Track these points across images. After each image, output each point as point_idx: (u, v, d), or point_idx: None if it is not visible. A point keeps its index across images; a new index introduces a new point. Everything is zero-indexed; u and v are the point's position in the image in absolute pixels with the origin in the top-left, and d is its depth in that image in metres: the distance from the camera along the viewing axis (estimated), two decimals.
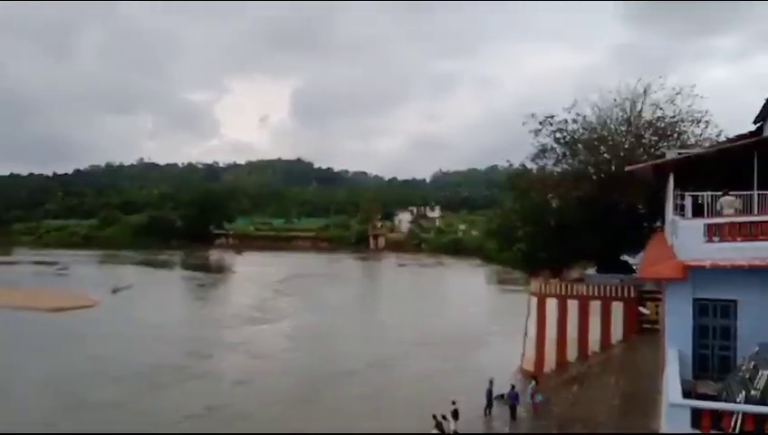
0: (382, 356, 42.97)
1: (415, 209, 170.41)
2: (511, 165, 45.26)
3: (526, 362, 37.20)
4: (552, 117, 39.65)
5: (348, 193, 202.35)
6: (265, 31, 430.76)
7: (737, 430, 11.72)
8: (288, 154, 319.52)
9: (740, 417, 11.87)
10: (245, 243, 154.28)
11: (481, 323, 55.06)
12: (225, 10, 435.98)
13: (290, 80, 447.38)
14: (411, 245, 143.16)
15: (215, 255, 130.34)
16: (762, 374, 12.84)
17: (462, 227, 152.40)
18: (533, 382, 29.30)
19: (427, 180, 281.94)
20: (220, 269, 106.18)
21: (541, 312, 36.28)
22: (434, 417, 26.16)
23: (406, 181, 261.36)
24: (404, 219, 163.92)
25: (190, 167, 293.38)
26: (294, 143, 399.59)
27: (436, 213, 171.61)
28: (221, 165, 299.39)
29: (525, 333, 37.95)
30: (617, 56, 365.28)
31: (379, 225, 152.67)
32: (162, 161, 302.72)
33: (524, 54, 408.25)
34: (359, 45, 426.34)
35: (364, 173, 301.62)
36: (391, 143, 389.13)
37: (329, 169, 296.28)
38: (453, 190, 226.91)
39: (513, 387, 29.46)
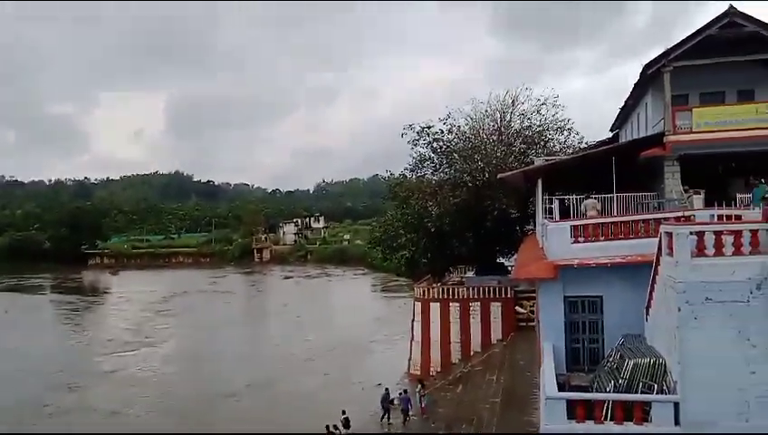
0: (266, 374, 41.85)
1: (299, 220, 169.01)
2: (391, 174, 46.19)
3: (413, 367, 37.89)
4: (429, 128, 40.93)
5: (230, 206, 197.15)
6: (137, 42, 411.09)
7: (609, 418, 12.53)
8: (166, 168, 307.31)
9: (610, 405, 12.71)
10: (122, 262, 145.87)
11: (368, 331, 55.36)
12: (91, 18, 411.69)
13: (165, 92, 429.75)
14: (297, 256, 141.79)
15: (88, 276, 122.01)
16: (627, 364, 13.82)
17: (347, 236, 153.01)
18: (420, 386, 29.93)
19: (311, 191, 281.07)
20: (94, 291, 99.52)
21: (425, 316, 37.12)
22: (326, 427, 26.05)
23: (289, 192, 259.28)
24: (288, 231, 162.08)
25: (58, 184, 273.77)
26: (172, 157, 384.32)
27: (321, 223, 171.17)
28: (93, 181, 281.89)
29: (411, 338, 38.66)
30: (488, 68, 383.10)
31: (263, 237, 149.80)
32: (26, 179, 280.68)
33: (403, 67, 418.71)
34: (239, 57, 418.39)
35: (247, 185, 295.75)
36: (274, 155, 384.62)
37: (209, 182, 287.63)
38: (336, 200, 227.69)
39: (405, 391, 30.00)
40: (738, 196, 20.32)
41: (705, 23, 22.52)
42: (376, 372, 40.07)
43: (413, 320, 38.64)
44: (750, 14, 22.11)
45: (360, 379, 39.17)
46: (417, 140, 41.25)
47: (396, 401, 29.83)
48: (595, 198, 22.01)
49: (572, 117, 40.81)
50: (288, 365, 44.18)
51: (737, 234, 11.90)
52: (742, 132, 21.86)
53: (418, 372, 36.18)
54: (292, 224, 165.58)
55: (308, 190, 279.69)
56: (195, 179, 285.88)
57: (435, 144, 41.14)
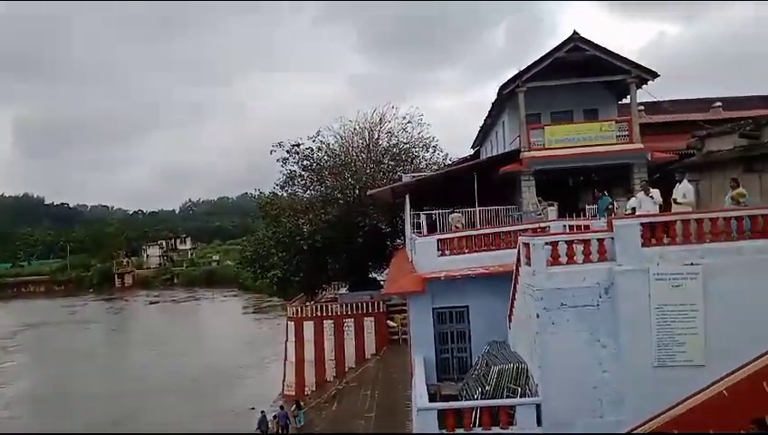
0: (126, 411, 38.51)
1: (164, 242, 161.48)
2: (261, 193, 45.46)
3: (287, 388, 37.28)
4: (299, 145, 40.89)
5: (87, 230, 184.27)
6: None
7: (477, 424, 12.94)
8: (13, 190, 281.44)
9: (478, 411, 13.15)
10: None
11: (239, 355, 53.32)
12: None
13: (11, 108, 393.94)
14: (162, 280, 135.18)
15: None
16: (493, 370, 14.38)
17: (216, 257, 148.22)
18: (295, 405, 29.51)
19: (177, 211, 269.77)
20: None
21: (298, 335, 36.70)
22: None
23: (153, 213, 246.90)
24: (153, 254, 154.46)
25: None
26: (20, 178, 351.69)
27: (188, 245, 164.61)
28: None
29: (285, 359, 38.05)
30: (357, 86, 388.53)
31: (124, 261, 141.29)
32: None
33: (272, 83, 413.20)
34: (97, 71, 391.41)
35: (106, 207, 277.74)
36: (136, 173, 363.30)
37: (63, 204, 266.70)
38: (204, 220, 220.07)
39: (282, 407, 29.55)
40: (587, 207, 21.98)
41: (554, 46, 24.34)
42: (249, 396, 38.88)
43: (286, 340, 38.08)
44: (592, 40, 24.12)
45: (233, 405, 37.85)
46: (287, 158, 41.07)
47: (272, 419, 29.23)
48: (460, 211, 22.91)
49: (437, 134, 42.68)
50: (152, 398, 41.38)
51: (586, 243, 12.79)
52: (588, 148, 23.71)
53: (293, 393, 35.65)
54: (157, 246, 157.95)
55: (174, 210, 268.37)
56: (47, 202, 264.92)
57: (305, 161, 41.14)
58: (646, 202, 15.00)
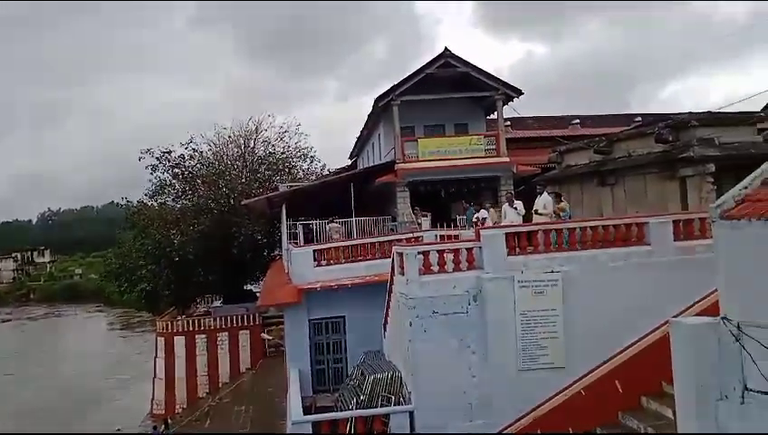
0: None
1: (19, 255, 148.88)
2: (129, 202, 43.04)
3: (157, 405, 35.47)
4: (170, 153, 39.28)
5: None
6: None
7: (353, 433, 12.95)
8: None
9: (353, 421, 13.16)
10: None
11: (106, 373, 50.14)
12: None
13: None
14: (17, 295, 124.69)
15: None
16: (368, 379, 14.48)
17: (78, 271, 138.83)
18: (164, 425, 28.16)
19: (34, 221, 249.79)
20: None
21: (168, 351, 35.07)
22: None
23: (6, 223, 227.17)
24: (6, 267, 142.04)
25: None
26: None
27: (47, 257, 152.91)
28: None
29: (154, 376, 36.21)
30: (233, 93, 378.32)
31: None
32: None
33: (142, 86, 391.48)
34: None
35: None
36: None
37: None
38: (66, 231, 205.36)
39: (155, 428, 28.05)
40: (458, 217, 22.80)
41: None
42: (115, 417, 36.64)
43: (156, 356, 36.26)
44: (461, 56, 25.14)
45: (97, 428, 35.46)
46: (157, 166, 39.27)
47: None
48: (338, 222, 22.98)
49: (318, 144, 42.78)
50: (7, 427, 37.89)
51: (456, 252, 13.22)
52: (458, 161, 24.66)
53: (163, 412, 33.94)
54: (11, 259, 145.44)
55: (30, 221, 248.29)
56: None
57: (176, 169, 39.54)
58: (510, 213, 15.75)
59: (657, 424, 10.17)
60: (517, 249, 13.24)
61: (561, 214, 15.36)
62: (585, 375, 12.59)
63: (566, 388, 12.60)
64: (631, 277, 12.89)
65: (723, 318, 6.15)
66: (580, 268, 13.00)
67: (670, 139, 17.02)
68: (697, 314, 9.13)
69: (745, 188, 6.45)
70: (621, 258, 13.20)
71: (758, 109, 24.74)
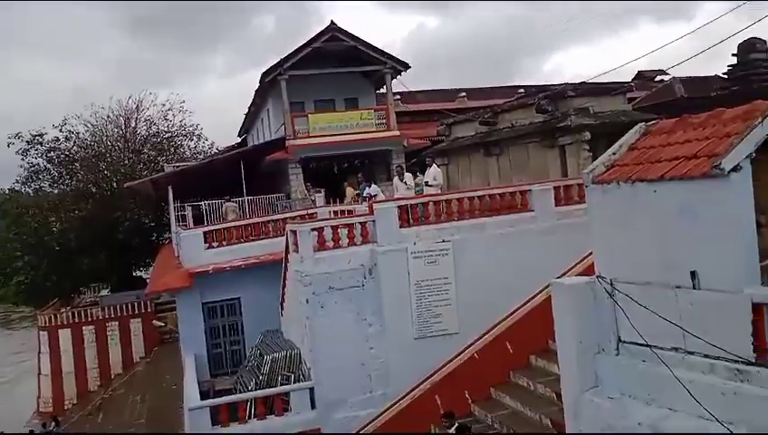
0: None
1: None
2: None
3: (44, 404, 33.47)
4: (42, 136, 36.60)
5: None
6: None
7: (253, 415, 12.81)
8: None
9: (253, 402, 13.02)
10: None
11: None
12: None
13: None
14: None
15: None
16: (266, 359, 14.34)
17: None
18: (53, 422, 26.58)
19: None
20: None
21: (53, 346, 33.08)
22: None
23: None
24: None
25: None
26: None
27: None
28: None
29: (39, 373, 34.10)
30: (113, 69, 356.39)
31: None
32: None
33: (7, 63, 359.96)
34: None
35: None
36: None
37: None
38: None
39: (44, 425, 26.34)
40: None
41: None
42: None
43: (39, 352, 34.11)
44: (348, 30, 24.99)
45: None
46: (28, 150, 36.51)
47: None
48: (234, 201, 22.40)
49: (206, 122, 41.31)
50: None
51: (350, 227, 13.26)
52: (350, 136, 24.64)
53: (51, 409, 32.07)
54: None
55: None
56: None
57: (51, 153, 36.95)
58: (400, 187, 15.93)
59: (546, 380, 10.73)
60: (410, 221, 13.46)
61: (416, 189, 15.76)
62: (478, 339, 13.08)
63: (460, 353, 13.05)
64: (517, 243, 13.43)
65: (598, 277, 6.53)
66: (469, 237, 13.40)
67: (549, 109, 17.78)
68: (578, 275, 9.66)
69: (614, 154, 6.82)
70: (508, 225, 13.73)
71: (629, 79, 26.39)
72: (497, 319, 13.19)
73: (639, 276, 6.02)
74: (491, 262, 13.24)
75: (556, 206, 14.12)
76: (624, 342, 6.33)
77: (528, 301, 12.77)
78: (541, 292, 12.41)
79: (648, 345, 5.86)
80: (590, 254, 7.59)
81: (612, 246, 6.43)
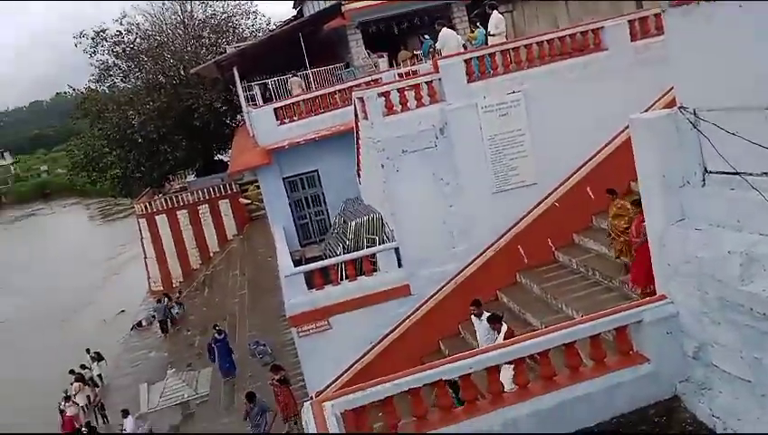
0: None
1: None
2: (75, 90, 41.11)
3: (154, 283, 36.51)
4: (104, 31, 36.93)
5: None
6: None
7: (344, 277, 13.54)
8: None
9: (342, 266, 13.72)
10: None
11: (90, 266, 50.14)
12: None
13: None
14: None
15: None
16: (350, 226, 14.90)
17: (44, 168, 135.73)
18: (167, 299, 29.10)
19: None
20: None
21: (153, 231, 35.46)
22: (71, 372, 24.20)
23: None
24: None
25: None
26: None
27: (8, 159, 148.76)
28: None
29: (144, 256, 36.89)
30: None
31: None
32: None
33: None
34: None
35: None
36: None
37: None
38: (19, 130, 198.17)
39: (159, 301, 29.01)
40: (416, 52, 22.22)
41: None
42: (116, 301, 37.81)
43: (142, 238, 36.70)
44: None
45: (100, 315, 36.69)
46: (95, 47, 37.12)
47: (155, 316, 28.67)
48: (299, 75, 22.30)
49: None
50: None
51: (417, 87, 13.05)
52: None
53: (161, 288, 35.00)
54: None
55: None
56: None
57: (117, 48, 37.44)
58: (451, 39, 15.14)
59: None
60: (477, 74, 13.08)
61: (473, 42, 15.00)
62: (557, 188, 13.04)
63: (540, 202, 13.12)
64: (593, 86, 12.85)
65: (680, 108, 6.25)
66: (540, 85, 12.97)
67: None
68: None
69: None
70: (581, 68, 13.15)
71: None
72: (576, 166, 13.04)
73: (725, 102, 5.69)
74: (565, 109, 12.83)
75: (632, 41, 13.32)
76: (711, 172, 6.14)
77: (607, 144, 12.49)
78: (620, 134, 12.08)
79: (736, 173, 5.67)
80: (672, 88, 7.20)
81: (694, 73, 6.07)
